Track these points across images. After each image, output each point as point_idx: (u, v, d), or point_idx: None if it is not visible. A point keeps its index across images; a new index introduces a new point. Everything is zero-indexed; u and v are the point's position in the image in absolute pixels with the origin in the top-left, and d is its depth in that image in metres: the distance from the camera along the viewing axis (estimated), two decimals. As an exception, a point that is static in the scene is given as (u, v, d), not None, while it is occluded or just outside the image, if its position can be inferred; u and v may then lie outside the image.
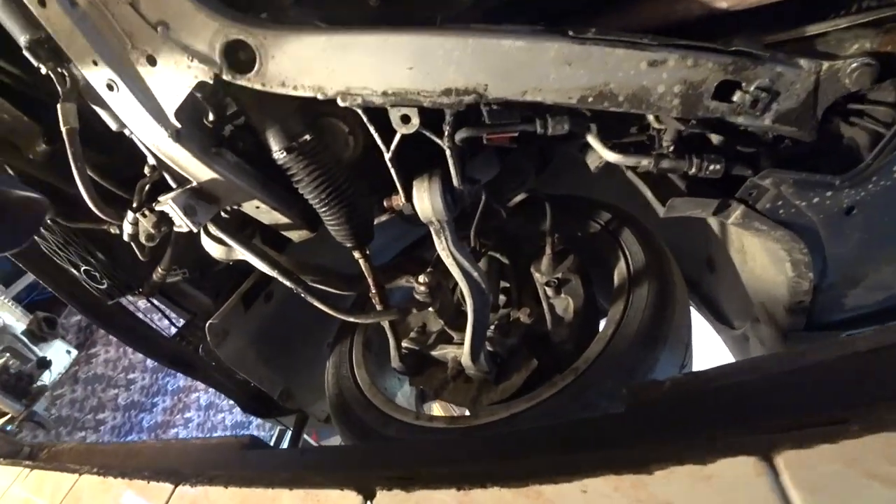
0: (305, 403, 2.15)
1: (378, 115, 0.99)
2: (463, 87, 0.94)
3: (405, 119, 0.95)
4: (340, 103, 0.94)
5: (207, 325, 1.59)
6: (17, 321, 4.00)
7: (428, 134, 0.99)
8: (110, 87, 0.97)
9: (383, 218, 1.40)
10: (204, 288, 2.19)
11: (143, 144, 1.18)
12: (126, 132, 1.16)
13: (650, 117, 1.16)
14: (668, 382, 0.89)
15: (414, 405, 1.89)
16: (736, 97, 1.00)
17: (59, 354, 4.27)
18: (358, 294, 1.70)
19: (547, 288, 1.62)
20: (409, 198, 1.10)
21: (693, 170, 1.14)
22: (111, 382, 4.56)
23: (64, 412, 4.21)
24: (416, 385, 1.74)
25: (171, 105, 0.99)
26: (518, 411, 1.32)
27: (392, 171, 1.05)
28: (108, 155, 1.44)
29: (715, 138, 1.21)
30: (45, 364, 3.61)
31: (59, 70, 1.02)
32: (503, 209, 1.71)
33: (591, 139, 1.18)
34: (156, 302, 2.10)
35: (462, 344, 1.61)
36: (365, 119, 0.97)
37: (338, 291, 1.50)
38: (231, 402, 2.40)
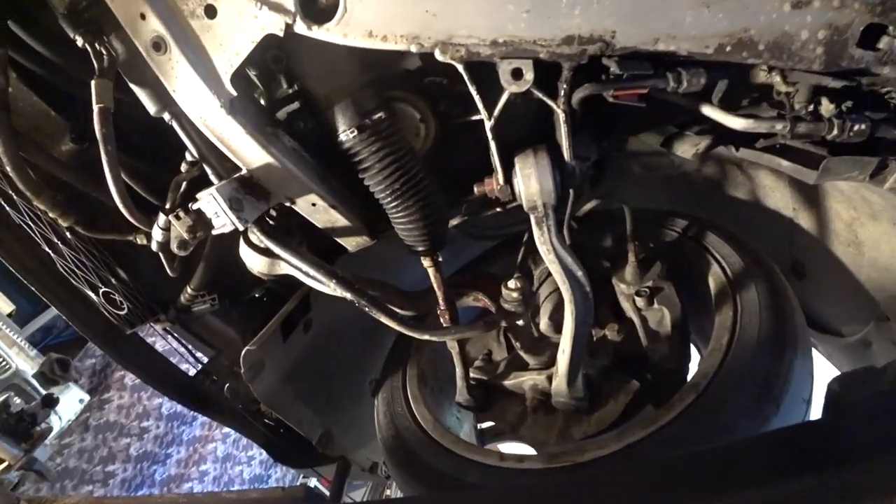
0: (348, 449, 1.87)
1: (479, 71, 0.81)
2: (587, 34, 0.76)
3: (516, 74, 0.77)
4: (440, 56, 0.76)
5: (244, 353, 1.37)
6: (30, 366, 3.78)
7: (540, 95, 0.80)
8: (157, 47, 0.81)
9: (455, 221, 1.20)
10: (231, 321, 1.98)
11: (186, 131, 1.01)
12: (166, 118, 0.99)
13: (776, 77, 0.97)
14: (891, 370, 0.65)
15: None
16: (882, 43, 0.86)
17: (71, 401, 4.01)
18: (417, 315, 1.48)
19: (637, 299, 1.39)
20: (507, 178, 0.90)
21: (834, 132, 0.95)
22: (123, 431, 4.25)
23: (71, 463, 3.89)
24: (486, 421, 1.48)
25: (228, 67, 0.82)
26: (635, 441, 1.05)
27: (492, 144, 0.86)
28: (139, 158, 1.28)
29: (826, 105, 1.03)
30: (51, 402, 3.32)
31: (96, 45, 0.87)
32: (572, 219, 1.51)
33: (709, 110, 0.99)
34: (177, 336, 1.88)
35: (541, 370, 1.37)
36: (466, 77, 0.79)
37: (399, 309, 1.27)
38: (250, 453, 2.12)
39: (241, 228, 0.98)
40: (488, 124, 0.82)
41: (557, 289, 1.57)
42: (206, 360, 2.09)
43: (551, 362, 1.38)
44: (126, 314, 1.55)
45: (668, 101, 1.01)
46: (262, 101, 0.98)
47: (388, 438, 1.44)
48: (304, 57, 0.90)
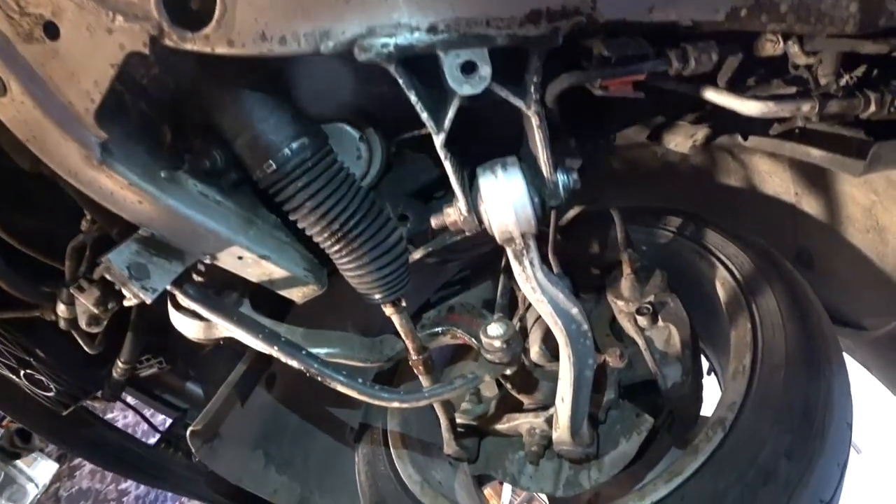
0: (333, 511, 1.66)
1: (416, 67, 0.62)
2: (559, 7, 0.58)
3: (468, 69, 0.58)
4: (360, 56, 0.57)
5: (188, 434, 1.16)
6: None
7: (504, 94, 0.62)
8: (-2, 90, 0.61)
9: (416, 255, 1.01)
10: (190, 376, 1.76)
11: (68, 187, 0.81)
12: (44, 170, 0.80)
13: (793, 48, 0.80)
14: None
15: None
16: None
17: (41, 470, 3.70)
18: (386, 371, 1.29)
19: (639, 317, 1.22)
20: (471, 207, 0.71)
21: (871, 108, 0.79)
22: (99, 497, 3.91)
23: (46, 542, 3.60)
24: (481, 471, 1.29)
25: (88, 103, 0.62)
26: (661, 497, 0.88)
27: (446, 164, 0.67)
28: (31, 215, 1.07)
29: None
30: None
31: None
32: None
33: (715, 95, 0.83)
34: (130, 402, 1.66)
35: (537, 410, 1.19)
36: (402, 82, 0.60)
37: (364, 364, 1.08)
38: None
39: (147, 301, 0.78)
40: (438, 140, 0.64)
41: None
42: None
43: (546, 401, 1.21)
44: (55, 395, 1.33)
45: (663, 88, 0.85)
46: (162, 140, 0.79)
47: (373, 507, 1.24)
48: (194, 65, 0.70)
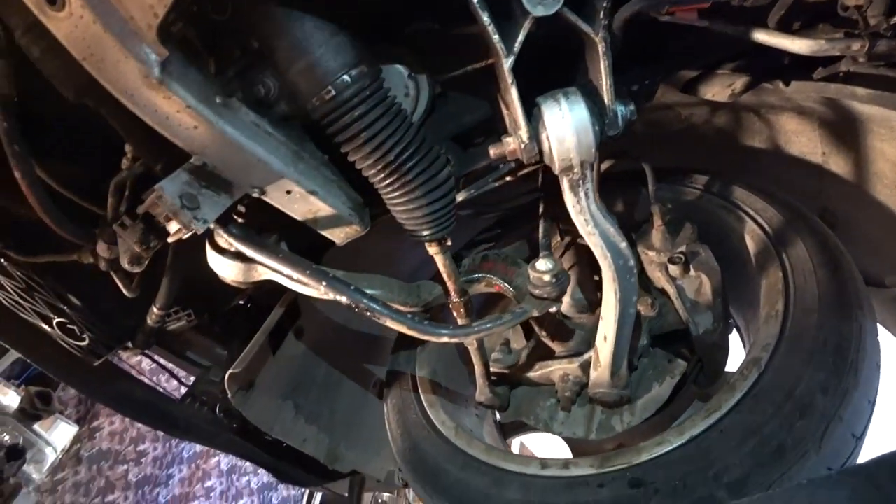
0: (359, 463, 1.70)
1: None
2: None
3: (541, -9, 0.57)
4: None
5: (227, 376, 1.18)
6: (15, 402, 3.53)
7: (573, 18, 0.61)
8: (52, 1, 0.59)
9: (459, 197, 1.01)
10: (215, 334, 1.77)
11: (115, 116, 0.80)
12: (90, 102, 0.79)
13: None
14: None
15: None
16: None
17: (60, 433, 3.78)
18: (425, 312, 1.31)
19: (671, 266, 1.22)
20: (532, 135, 0.71)
21: None
22: (119, 458, 4.02)
23: (67, 499, 3.68)
24: (512, 418, 1.32)
25: (151, 18, 0.61)
26: (698, 433, 0.90)
27: (512, 90, 0.66)
28: (69, 158, 1.06)
29: None
30: (16, 454, 3.07)
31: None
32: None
33: (765, 35, 0.82)
34: (156, 357, 1.68)
35: (570, 357, 1.21)
36: (475, 3, 0.59)
37: (403, 307, 1.09)
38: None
39: (199, 231, 0.78)
40: (507, 63, 0.63)
41: (576, 264, 1.42)
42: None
43: (579, 348, 1.23)
44: (88, 345, 1.34)
45: (712, 30, 0.83)
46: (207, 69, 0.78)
47: (406, 451, 1.27)
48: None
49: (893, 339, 1.70)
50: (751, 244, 1.27)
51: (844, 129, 1.45)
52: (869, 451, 0.83)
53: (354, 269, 1.25)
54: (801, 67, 1.09)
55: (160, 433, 4.38)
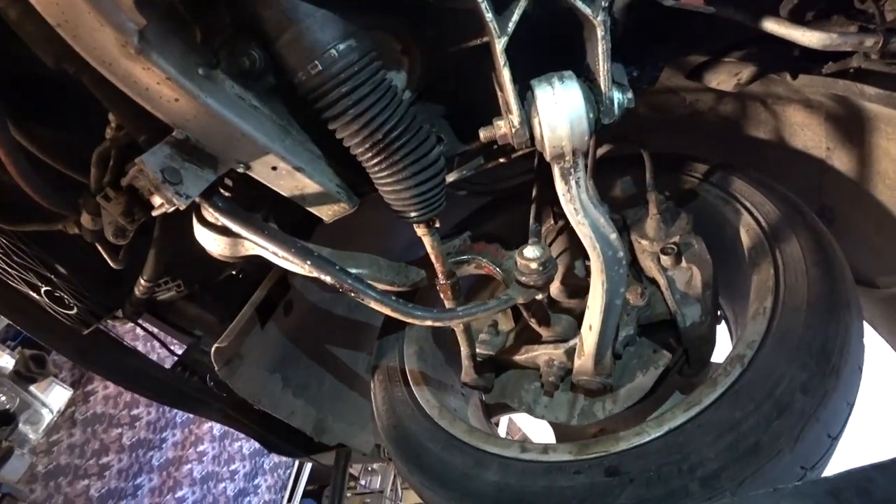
0: (345, 436, 1.73)
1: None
2: None
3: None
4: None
5: (213, 349, 1.19)
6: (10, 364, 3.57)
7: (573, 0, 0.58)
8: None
9: (450, 178, 0.99)
10: (206, 304, 1.78)
11: (96, 85, 0.78)
12: (69, 69, 0.76)
13: None
14: None
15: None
16: None
17: (56, 396, 3.83)
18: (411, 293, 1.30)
19: (663, 257, 1.22)
20: (524, 119, 0.68)
21: None
22: (113, 421, 4.10)
23: (62, 460, 3.77)
24: (496, 400, 1.33)
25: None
26: (676, 426, 0.91)
27: (505, 72, 0.64)
28: (53, 125, 1.03)
29: None
30: (7, 419, 3.11)
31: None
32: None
33: (775, 25, 0.79)
34: (147, 326, 1.68)
35: (556, 342, 1.21)
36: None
37: (390, 287, 1.09)
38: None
39: (181, 207, 0.76)
40: (499, 44, 0.60)
41: (568, 248, 1.41)
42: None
43: (566, 333, 1.23)
44: (76, 313, 1.34)
45: (721, 17, 0.80)
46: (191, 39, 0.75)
47: (390, 428, 1.29)
48: None
49: (880, 340, 1.72)
50: (745, 238, 1.26)
51: (851, 126, 1.42)
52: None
53: (349, 241, 1.24)
54: (810, 60, 1.06)
55: (154, 398, 4.44)
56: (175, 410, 4.31)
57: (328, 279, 0.86)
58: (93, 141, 0.97)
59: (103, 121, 0.94)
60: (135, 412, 4.16)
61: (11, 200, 1.07)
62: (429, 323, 0.90)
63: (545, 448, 1.00)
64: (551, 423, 1.38)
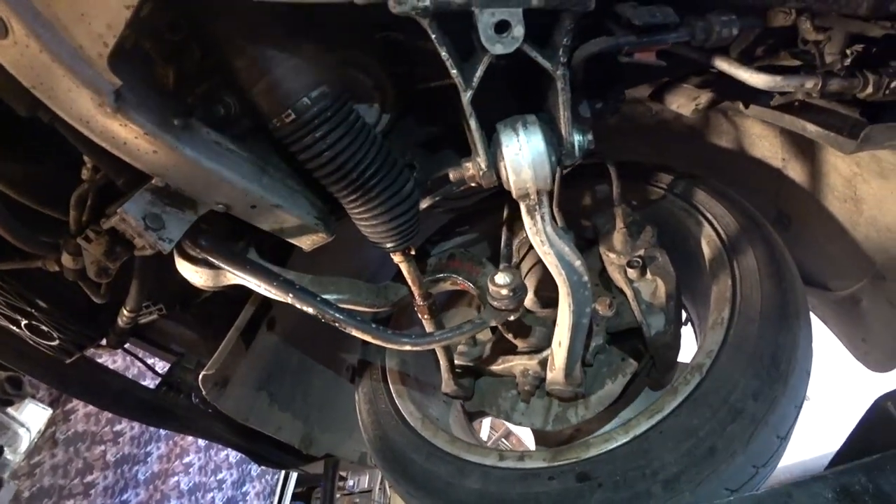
0: (332, 446, 1.77)
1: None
2: None
3: (501, 28, 0.59)
4: (395, 9, 0.57)
5: (200, 377, 1.21)
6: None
7: (533, 54, 0.63)
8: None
9: (423, 205, 1.03)
10: (187, 321, 1.79)
11: (72, 134, 0.79)
12: (43, 118, 0.78)
13: (804, 24, 0.82)
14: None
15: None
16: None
17: (34, 417, 3.74)
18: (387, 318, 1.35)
19: (629, 270, 1.28)
20: (491, 163, 0.73)
21: (869, 90, 0.82)
22: (96, 438, 4.04)
23: (46, 482, 3.69)
24: (475, 408, 1.39)
25: (101, 47, 0.61)
26: (641, 432, 0.98)
27: (471, 121, 0.69)
28: (29, 161, 1.04)
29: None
30: None
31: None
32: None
33: (726, 65, 0.85)
34: (131, 349, 1.69)
35: (531, 353, 1.27)
36: (434, 37, 0.60)
37: (370, 309, 1.13)
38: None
39: (165, 251, 0.79)
40: (466, 96, 0.65)
41: (540, 260, 1.47)
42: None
43: (540, 344, 1.29)
44: (59, 344, 1.34)
45: (676, 53, 0.86)
46: (165, 84, 0.77)
47: (376, 440, 1.33)
48: (212, 18, 0.69)
49: (833, 336, 1.83)
50: (706, 250, 1.33)
51: (802, 141, 1.51)
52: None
53: (329, 252, 1.27)
54: (760, 92, 1.13)
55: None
56: (159, 423, 4.26)
57: (310, 310, 0.90)
58: (67, 174, 0.98)
59: (77, 152, 0.95)
60: (117, 428, 4.11)
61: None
62: (408, 348, 0.95)
63: (521, 456, 1.06)
64: (532, 429, 1.45)
